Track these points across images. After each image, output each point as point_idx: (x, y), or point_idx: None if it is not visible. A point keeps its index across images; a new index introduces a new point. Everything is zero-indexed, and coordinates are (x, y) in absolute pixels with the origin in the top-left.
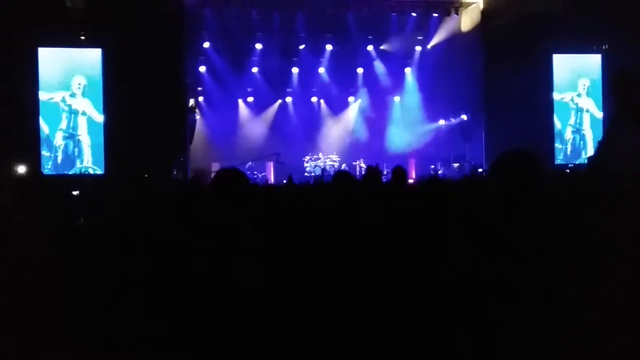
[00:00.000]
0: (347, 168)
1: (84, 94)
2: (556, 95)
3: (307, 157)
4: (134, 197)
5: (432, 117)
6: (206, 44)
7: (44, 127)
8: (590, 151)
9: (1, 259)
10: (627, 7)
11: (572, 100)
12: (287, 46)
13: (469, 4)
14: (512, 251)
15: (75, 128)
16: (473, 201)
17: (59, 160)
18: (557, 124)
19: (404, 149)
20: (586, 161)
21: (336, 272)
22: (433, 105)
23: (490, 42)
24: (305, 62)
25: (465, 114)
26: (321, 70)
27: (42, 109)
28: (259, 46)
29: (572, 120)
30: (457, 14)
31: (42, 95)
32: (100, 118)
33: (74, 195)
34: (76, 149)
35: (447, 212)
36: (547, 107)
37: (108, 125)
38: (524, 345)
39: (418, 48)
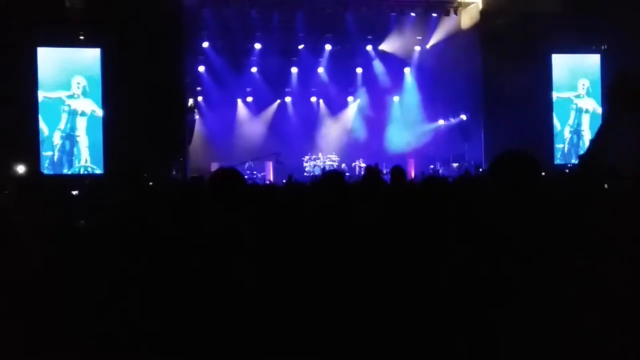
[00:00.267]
0: (346, 168)
1: (84, 94)
2: (555, 95)
3: (307, 157)
4: (133, 197)
5: (432, 117)
6: (205, 44)
7: (44, 127)
8: None
9: (1, 258)
10: (626, 7)
11: (571, 100)
12: (286, 46)
13: (468, 4)
14: (511, 250)
15: (74, 128)
16: (471, 200)
17: (58, 159)
18: (557, 123)
19: (403, 149)
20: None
21: (332, 272)
22: (432, 105)
23: (490, 42)
24: (304, 62)
25: (465, 113)
26: (320, 70)
27: (41, 109)
28: (258, 46)
29: (571, 121)
30: (456, 13)
31: (42, 95)
32: (100, 112)
33: (73, 195)
34: (75, 149)
35: (445, 212)
36: (546, 107)
37: (107, 125)
38: (523, 345)
39: (417, 48)
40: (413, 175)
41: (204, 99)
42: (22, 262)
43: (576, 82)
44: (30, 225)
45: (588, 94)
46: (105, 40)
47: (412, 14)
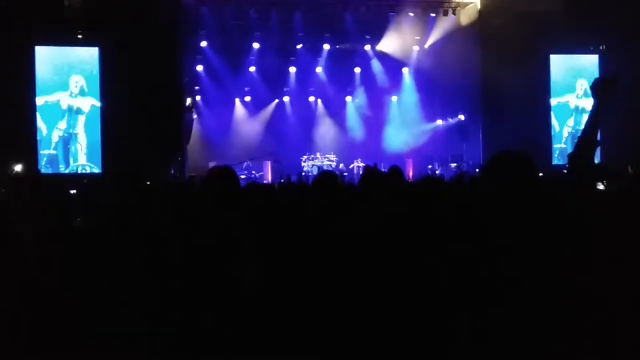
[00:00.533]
0: (344, 168)
1: (82, 93)
2: (554, 101)
3: (305, 157)
4: (131, 196)
5: (430, 117)
6: (203, 43)
7: (42, 126)
8: None
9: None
10: (624, 8)
11: (569, 102)
12: (284, 45)
13: (467, 4)
14: (506, 250)
15: (72, 127)
16: (467, 200)
17: (56, 158)
18: (555, 124)
19: (401, 149)
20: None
21: (324, 273)
22: (430, 105)
23: (488, 42)
24: (302, 61)
25: (463, 114)
26: (319, 69)
27: (39, 108)
28: (256, 45)
29: (570, 121)
30: (454, 14)
31: (40, 100)
32: (98, 111)
33: (71, 193)
34: (73, 148)
35: (441, 212)
36: (544, 107)
37: (105, 124)
38: (521, 345)
39: (416, 48)
40: (411, 175)
41: (202, 98)
42: (20, 261)
43: (574, 83)
44: (27, 224)
45: (586, 94)
46: (104, 39)
47: (411, 14)
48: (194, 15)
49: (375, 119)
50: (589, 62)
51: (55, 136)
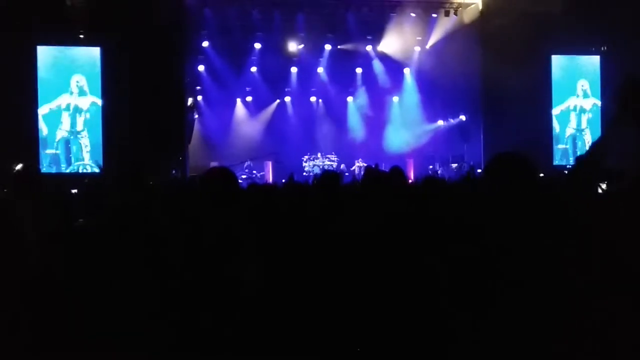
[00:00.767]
0: (345, 168)
1: (83, 93)
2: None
3: (306, 157)
4: (132, 196)
5: (431, 117)
6: (205, 43)
7: (43, 126)
8: None
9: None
10: (626, 8)
11: (570, 105)
12: (286, 46)
13: (468, 5)
14: (507, 250)
15: (74, 127)
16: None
17: (58, 158)
18: (556, 125)
19: (402, 149)
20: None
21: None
22: (432, 105)
23: (489, 43)
24: (304, 61)
25: (464, 114)
26: (320, 70)
27: (41, 110)
28: (258, 46)
29: (571, 122)
30: (456, 14)
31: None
32: (100, 111)
33: (73, 193)
34: (75, 147)
35: (442, 213)
36: (546, 108)
37: (107, 124)
38: (521, 345)
39: (417, 48)
40: (412, 175)
41: (203, 99)
42: (22, 261)
43: (575, 83)
44: (29, 224)
45: (586, 95)
46: (105, 39)
47: (412, 15)
48: (196, 15)
49: (376, 119)
50: (591, 63)
51: (57, 136)
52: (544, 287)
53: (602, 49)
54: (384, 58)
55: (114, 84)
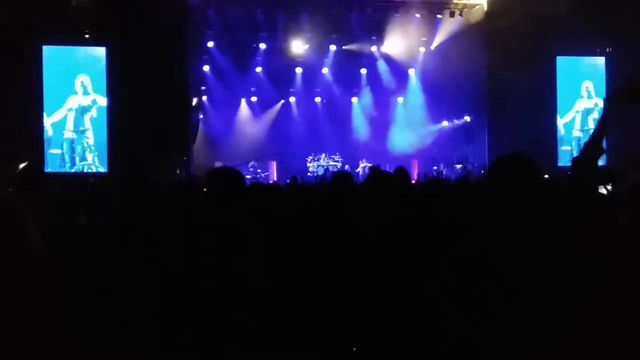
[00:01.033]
0: (349, 168)
1: (88, 93)
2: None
3: (310, 157)
4: (136, 196)
5: (436, 118)
6: (210, 44)
7: (48, 126)
8: None
9: (3, 256)
10: (631, 10)
11: (577, 109)
12: (291, 46)
13: (473, 6)
14: (507, 252)
15: (78, 127)
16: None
17: (63, 158)
18: (561, 127)
19: (407, 150)
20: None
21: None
22: (436, 106)
23: (494, 44)
24: (309, 62)
25: (469, 115)
26: (325, 70)
27: (46, 108)
28: (263, 46)
29: (576, 124)
30: (461, 15)
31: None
32: (105, 111)
33: (77, 193)
34: (80, 148)
35: (446, 214)
36: (550, 109)
37: (111, 124)
38: (522, 347)
39: (422, 49)
40: (416, 176)
41: (208, 99)
42: (24, 259)
43: (580, 85)
44: (32, 223)
45: (590, 96)
46: (111, 39)
47: (417, 15)
48: (201, 15)
49: (381, 120)
50: (596, 65)
51: (62, 136)
52: (545, 286)
53: (607, 50)
54: (389, 59)
55: (118, 84)
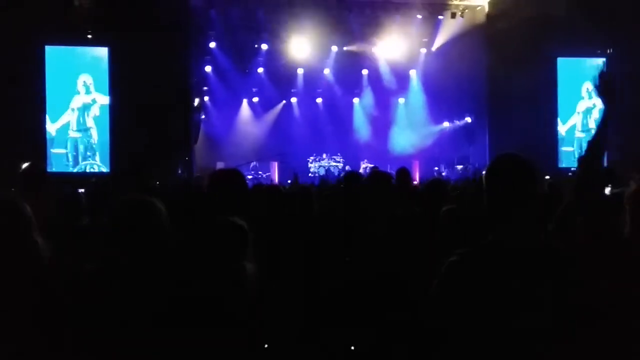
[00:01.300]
0: (350, 169)
1: (91, 93)
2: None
3: (311, 158)
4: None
5: (437, 119)
6: (212, 44)
7: (50, 126)
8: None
9: (8, 255)
10: (631, 11)
11: (578, 111)
12: (292, 47)
13: (474, 7)
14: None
15: (81, 126)
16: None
17: (66, 158)
18: (561, 127)
19: (408, 151)
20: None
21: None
22: (437, 107)
23: (495, 45)
24: (310, 63)
25: (470, 116)
26: (326, 71)
27: (49, 108)
28: (264, 47)
29: (578, 125)
30: (462, 16)
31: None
32: (107, 111)
33: (80, 193)
34: (82, 147)
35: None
36: (551, 110)
37: (114, 124)
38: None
39: (423, 50)
40: (418, 177)
41: (210, 99)
42: (26, 258)
43: (580, 86)
44: (35, 222)
45: (590, 97)
46: (113, 40)
47: (418, 16)
48: (203, 16)
49: (382, 121)
50: (596, 66)
51: (65, 136)
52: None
53: (608, 51)
54: (390, 59)
55: (121, 84)
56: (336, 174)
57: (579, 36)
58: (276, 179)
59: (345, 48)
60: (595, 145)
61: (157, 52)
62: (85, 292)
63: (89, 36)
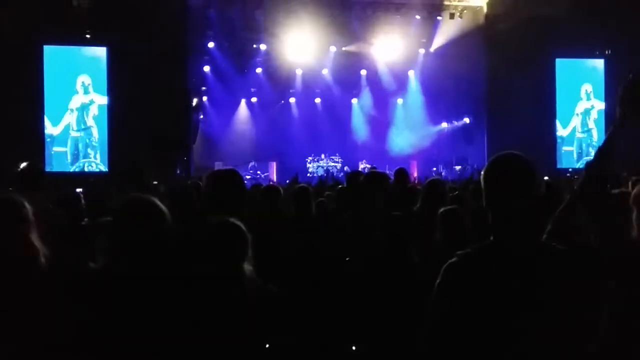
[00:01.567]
0: (348, 169)
1: (90, 92)
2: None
3: (310, 158)
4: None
5: (435, 119)
6: (211, 44)
7: (50, 126)
8: None
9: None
10: (630, 13)
11: (577, 112)
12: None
13: (473, 8)
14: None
15: (80, 126)
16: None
17: (64, 157)
18: (560, 127)
19: (406, 151)
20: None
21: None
22: (436, 107)
23: (494, 46)
24: (309, 63)
25: (468, 117)
26: (325, 71)
27: (48, 108)
28: (263, 47)
29: (578, 126)
30: (460, 17)
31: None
32: (105, 111)
33: (79, 192)
34: (81, 146)
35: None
36: (549, 111)
37: (112, 124)
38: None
39: (421, 51)
40: (416, 177)
41: (208, 99)
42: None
43: (579, 87)
44: (34, 222)
45: (589, 98)
46: (112, 40)
47: (417, 17)
48: (201, 16)
49: (380, 121)
50: (595, 67)
51: (64, 136)
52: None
53: (607, 52)
54: (389, 60)
55: (119, 84)
56: (334, 174)
57: (578, 37)
58: (275, 179)
59: (343, 48)
60: (605, 153)
61: (156, 52)
62: (90, 291)
63: (88, 36)
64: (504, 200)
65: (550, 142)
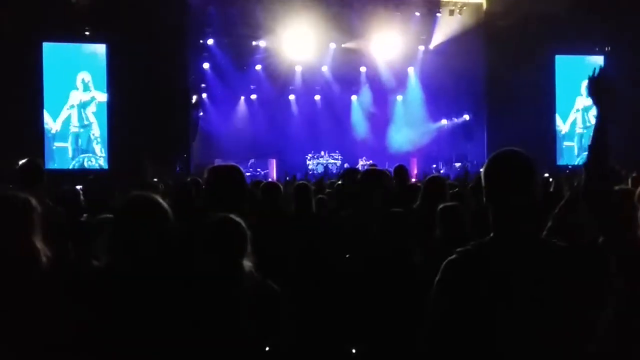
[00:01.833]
0: (348, 166)
1: (89, 89)
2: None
3: (310, 155)
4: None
5: (435, 116)
6: (210, 41)
7: (50, 122)
8: None
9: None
10: (630, 9)
11: (577, 108)
12: (290, 44)
13: (472, 4)
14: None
15: (79, 122)
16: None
17: (64, 153)
18: (560, 123)
19: (406, 148)
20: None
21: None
22: (435, 104)
23: (493, 43)
24: (308, 60)
25: (468, 113)
26: (324, 68)
27: (47, 104)
28: (262, 44)
29: (578, 122)
30: (460, 14)
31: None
32: (104, 108)
33: (79, 189)
34: (80, 142)
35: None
36: (549, 107)
37: (112, 121)
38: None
39: (421, 47)
40: (416, 174)
41: (208, 96)
42: (26, 256)
43: (579, 83)
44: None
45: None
46: (111, 37)
47: (417, 14)
48: (201, 13)
49: (380, 118)
50: (595, 63)
51: (64, 132)
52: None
53: (607, 49)
54: (388, 57)
55: (119, 81)
56: (334, 171)
57: (578, 34)
58: (274, 176)
59: (343, 45)
60: (596, 151)
61: (155, 49)
62: (92, 291)
63: (87, 33)
64: (504, 197)
65: (550, 138)
